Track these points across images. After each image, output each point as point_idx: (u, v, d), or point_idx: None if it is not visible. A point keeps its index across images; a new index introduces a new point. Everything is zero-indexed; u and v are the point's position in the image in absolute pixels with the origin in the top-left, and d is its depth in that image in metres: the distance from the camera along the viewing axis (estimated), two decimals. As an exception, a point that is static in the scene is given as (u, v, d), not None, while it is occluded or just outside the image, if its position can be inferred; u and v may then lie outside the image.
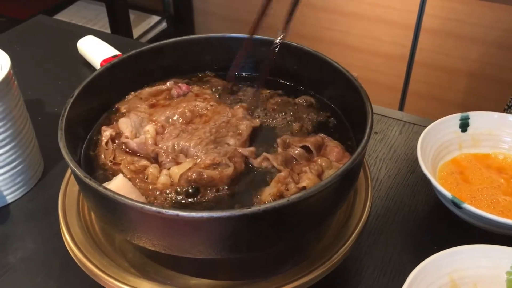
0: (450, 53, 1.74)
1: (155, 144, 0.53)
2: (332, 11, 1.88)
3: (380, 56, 1.89)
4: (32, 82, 0.91)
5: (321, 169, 0.50)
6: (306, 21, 1.94)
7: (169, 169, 0.50)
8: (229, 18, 2.13)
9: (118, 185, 0.46)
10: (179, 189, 0.48)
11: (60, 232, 0.53)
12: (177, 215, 0.40)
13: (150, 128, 0.54)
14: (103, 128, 0.54)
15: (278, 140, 0.53)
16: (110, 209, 0.44)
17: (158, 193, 0.48)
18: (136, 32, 2.00)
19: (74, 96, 0.53)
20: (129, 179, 0.49)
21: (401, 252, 0.60)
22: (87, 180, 0.43)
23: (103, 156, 0.52)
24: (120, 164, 0.51)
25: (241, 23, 2.09)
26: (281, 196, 0.47)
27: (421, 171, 0.60)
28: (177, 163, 0.50)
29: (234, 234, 0.42)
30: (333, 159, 0.51)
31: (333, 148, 0.52)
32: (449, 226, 0.62)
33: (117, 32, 1.82)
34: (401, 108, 1.91)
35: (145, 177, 0.49)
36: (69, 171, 0.57)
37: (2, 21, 2.17)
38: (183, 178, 0.48)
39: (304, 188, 0.47)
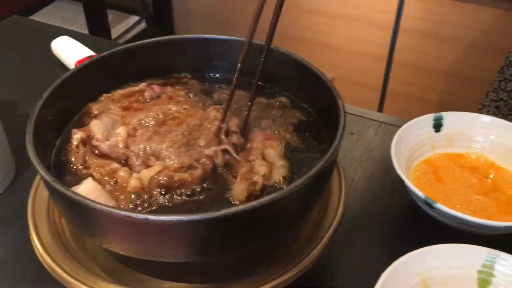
0: (428, 53, 1.77)
1: (126, 147, 0.52)
2: (314, 11, 1.89)
3: (360, 56, 1.90)
4: (5, 83, 0.89)
5: (261, 151, 0.52)
6: (288, 21, 1.94)
7: (139, 172, 0.49)
8: (209, 18, 2.12)
9: (87, 189, 0.45)
10: (149, 193, 0.48)
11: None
12: (146, 219, 0.39)
13: (121, 130, 0.53)
14: (74, 130, 0.53)
15: (222, 136, 0.53)
16: (79, 213, 0.43)
17: (129, 196, 0.48)
18: (115, 32, 1.98)
19: (43, 99, 0.52)
20: (100, 183, 0.48)
21: (376, 252, 0.60)
22: (55, 184, 0.42)
23: (73, 159, 0.51)
24: (91, 167, 0.50)
25: (222, 23, 2.08)
26: (252, 190, 0.47)
27: (396, 172, 0.60)
28: (148, 166, 0.50)
29: (205, 238, 0.41)
30: (261, 139, 0.53)
31: (256, 133, 0.54)
32: (423, 226, 0.63)
33: (95, 32, 1.79)
34: (380, 107, 1.93)
35: (115, 180, 0.49)
36: (39, 175, 0.56)
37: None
38: (154, 182, 0.48)
39: (264, 175, 0.49)
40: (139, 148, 0.51)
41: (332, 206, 0.54)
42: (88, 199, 0.41)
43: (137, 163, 0.50)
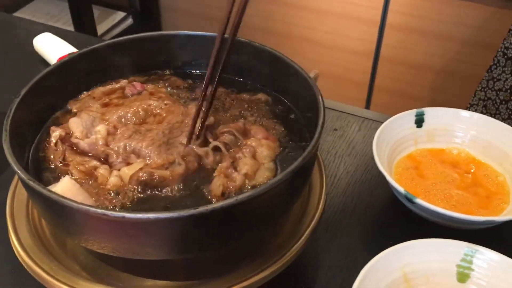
0: (415, 49, 1.77)
1: (106, 144, 0.52)
2: (300, 7, 1.89)
3: (347, 52, 1.91)
4: (-14, 81, 0.88)
5: (253, 149, 0.51)
6: (275, 17, 1.94)
7: (119, 170, 0.49)
8: (196, 14, 2.11)
9: (64, 187, 0.45)
10: (129, 190, 0.47)
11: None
12: (123, 217, 0.39)
13: (101, 128, 0.52)
14: (52, 128, 0.53)
15: (208, 134, 0.53)
16: (56, 212, 0.43)
17: (108, 194, 0.47)
18: (101, 28, 1.96)
19: (20, 96, 0.51)
20: (79, 181, 0.48)
21: (358, 248, 0.60)
22: (31, 183, 0.41)
23: (52, 157, 0.51)
24: (70, 164, 0.50)
25: (209, 20, 2.07)
26: (228, 188, 0.47)
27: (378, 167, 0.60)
28: (128, 164, 0.49)
29: (183, 235, 0.41)
30: (260, 137, 0.53)
31: (257, 130, 0.54)
32: (405, 221, 0.63)
33: (81, 28, 1.78)
34: (368, 104, 1.94)
35: (94, 178, 0.48)
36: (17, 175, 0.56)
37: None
38: (134, 179, 0.47)
39: (245, 174, 0.48)
40: (119, 146, 0.51)
41: (313, 202, 0.54)
42: (64, 197, 0.40)
43: (118, 161, 0.49)
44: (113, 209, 0.44)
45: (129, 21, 2.07)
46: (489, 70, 1.03)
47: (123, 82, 0.61)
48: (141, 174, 0.48)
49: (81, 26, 1.75)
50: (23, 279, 0.54)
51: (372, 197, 0.67)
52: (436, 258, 0.52)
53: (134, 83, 0.61)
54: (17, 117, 0.49)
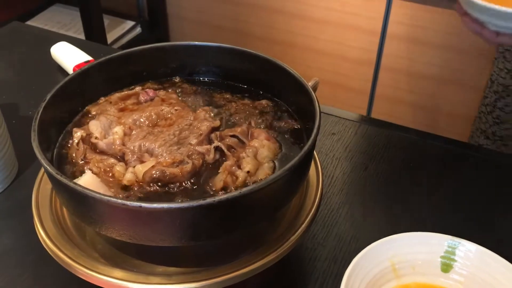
0: (415, 58, 1.83)
1: (123, 144, 0.57)
2: (303, 17, 1.95)
3: (348, 61, 1.96)
4: (7, 86, 0.94)
5: (256, 150, 0.57)
6: (279, 27, 2.00)
7: (134, 167, 0.54)
8: (203, 24, 2.17)
9: (87, 181, 0.50)
10: (143, 185, 0.53)
11: (34, 227, 0.57)
12: (140, 207, 0.44)
13: (118, 129, 0.58)
14: (74, 129, 0.58)
15: (212, 135, 0.58)
16: (80, 203, 0.48)
17: (124, 188, 0.53)
18: (111, 37, 2.03)
19: (46, 100, 0.57)
20: (98, 176, 0.53)
21: (351, 242, 0.65)
22: (58, 177, 0.47)
23: (74, 155, 0.57)
24: (90, 162, 0.55)
25: (215, 29, 2.14)
26: (230, 182, 0.53)
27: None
28: (142, 162, 0.55)
29: (192, 223, 0.46)
30: (262, 139, 0.58)
31: (260, 132, 0.59)
32: (395, 218, 0.69)
33: (92, 37, 1.84)
34: (369, 111, 1.99)
35: (112, 174, 0.54)
36: (42, 170, 0.61)
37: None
38: (147, 175, 0.53)
39: (248, 172, 0.53)
40: (134, 145, 0.57)
41: (309, 198, 0.59)
42: (88, 189, 0.46)
43: (133, 159, 0.55)
44: (131, 199, 0.49)
45: (138, 29, 2.14)
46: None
47: (137, 88, 0.67)
48: (153, 171, 0.53)
49: (92, 34, 1.82)
50: (44, 266, 0.60)
51: (365, 195, 0.72)
52: (421, 250, 0.57)
53: (147, 89, 0.66)
54: (43, 119, 0.55)
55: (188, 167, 0.54)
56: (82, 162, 0.56)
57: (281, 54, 2.19)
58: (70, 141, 0.58)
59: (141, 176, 0.53)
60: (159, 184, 0.54)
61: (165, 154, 0.56)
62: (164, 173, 0.53)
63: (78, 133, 0.58)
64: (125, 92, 0.66)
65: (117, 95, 0.66)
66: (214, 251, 0.55)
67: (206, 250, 0.55)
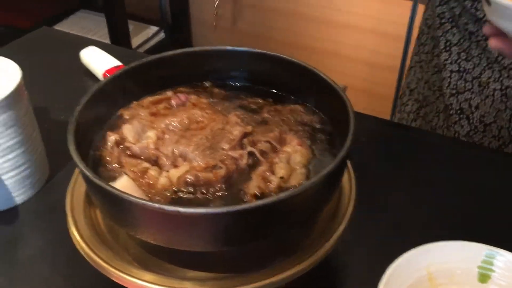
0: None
1: (156, 148, 0.57)
2: (328, 22, 1.95)
3: (372, 66, 1.95)
4: (38, 90, 0.95)
5: (289, 155, 0.57)
6: (303, 32, 2.00)
7: (168, 171, 0.54)
8: (225, 28, 2.18)
9: (123, 184, 0.50)
10: (177, 190, 0.53)
11: (67, 229, 0.57)
12: (178, 211, 0.44)
13: (151, 134, 0.58)
14: (108, 133, 0.59)
15: (245, 140, 0.58)
16: (116, 206, 0.48)
17: (158, 192, 0.53)
18: (135, 42, 2.05)
19: (82, 104, 0.57)
20: (132, 180, 0.53)
21: (386, 249, 0.64)
22: (96, 180, 0.47)
23: (108, 159, 0.57)
24: (125, 166, 0.55)
25: (237, 33, 2.15)
26: (263, 188, 0.52)
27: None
28: (176, 166, 0.55)
29: (228, 229, 0.46)
30: (295, 144, 0.58)
31: (292, 138, 0.59)
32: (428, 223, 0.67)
33: (117, 41, 1.87)
34: (392, 116, 1.97)
35: (146, 178, 0.54)
36: (75, 173, 0.62)
37: (2, 31, 2.21)
38: (181, 180, 0.53)
39: (282, 178, 0.53)
40: (168, 150, 0.57)
41: (343, 204, 0.58)
42: (125, 192, 0.46)
43: (167, 163, 0.55)
44: (168, 204, 0.49)
45: (161, 34, 2.16)
46: (418, 38, 1.06)
47: (169, 93, 0.67)
48: (188, 176, 0.53)
49: (117, 39, 1.84)
50: (77, 268, 0.60)
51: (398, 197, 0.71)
52: (458, 259, 0.56)
53: (179, 94, 0.67)
54: (78, 123, 0.55)
55: (222, 171, 0.53)
56: (117, 166, 0.56)
57: (306, 59, 2.17)
58: (104, 145, 0.59)
59: (175, 180, 0.53)
60: (192, 188, 0.53)
61: (198, 159, 0.56)
62: (198, 178, 0.53)
63: (112, 137, 0.58)
64: (157, 97, 0.67)
65: (149, 99, 0.66)
66: (245, 257, 0.54)
67: (237, 255, 0.55)
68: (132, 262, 0.53)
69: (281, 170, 0.55)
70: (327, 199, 0.54)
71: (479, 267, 0.55)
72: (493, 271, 0.55)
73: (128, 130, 0.59)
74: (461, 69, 0.91)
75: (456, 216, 0.70)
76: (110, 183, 0.50)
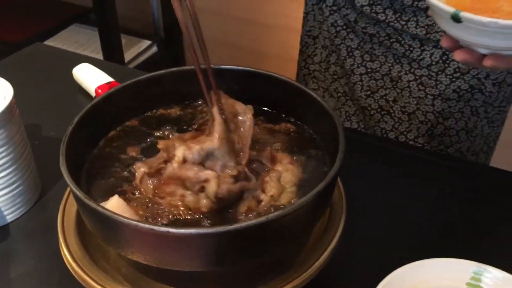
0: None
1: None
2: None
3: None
4: (30, 107, 0.95)
5: (279, 174, 0.57)
6: (293, 45, 2.01)
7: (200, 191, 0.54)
8: (218, 42, 2.20)
9: (114, 205, 0.51)
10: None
11: (59, 249, 0.57)
12: (168, 232, 0.44)
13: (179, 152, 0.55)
14: (137, 165, 0.57)
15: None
16: (107, 227, 0.48)
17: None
18: (128, 56, 2.06)
19: (74, 123, 0.58)
20: (171, 207, 0.54)
21: (376, 266, 0.65)
22: (87, 201, 0.47)
23: (142, 191, 0.56)
24: (165, 198, 0.54)
25: (230, 47, 2.16)
26: (253, 206, 0.53)
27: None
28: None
29: (219, 249, 0.47)
30: (286, 163, 0.59)
31: (283, 156, 0.60)
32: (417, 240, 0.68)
33: (110, 56, 1.87)
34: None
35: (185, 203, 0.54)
36: (67, 192, 0.62)
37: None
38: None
39: (272, 196, 0.54)
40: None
41: (334, 221, 0.59)
42: (116, 213, 0.46)
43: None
44: (159, 225, 0.49)
45: (154, 48, 2.17)
46: (301, 53, 1.05)
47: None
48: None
49: (110, 54, 1.85)
50: (70, 286, 0.60)
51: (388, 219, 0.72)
52: (447, 276, 0.56)
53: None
54: (71, 142, 0.56)
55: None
56: (154, 196, 0.55)
57: (295, 72, 2.20)
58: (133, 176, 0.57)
59: (213, 197, 0.53)
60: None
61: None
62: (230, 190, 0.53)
63: (141, 169, 0.56)
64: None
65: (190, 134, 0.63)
66: (237, 275, 0.55)
67: (229, 274, 0.55)
68: (123, 282, 0.54)
69: (272, 189, 0.56)
70: (318, 217, 0.55)
71: (468, 284, 0.56)
72: (481, 287, 0.56)
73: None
74: (369, 69, 0.93)
75: (444, 232, 0.70)
76: (101, 204, 0.50)
